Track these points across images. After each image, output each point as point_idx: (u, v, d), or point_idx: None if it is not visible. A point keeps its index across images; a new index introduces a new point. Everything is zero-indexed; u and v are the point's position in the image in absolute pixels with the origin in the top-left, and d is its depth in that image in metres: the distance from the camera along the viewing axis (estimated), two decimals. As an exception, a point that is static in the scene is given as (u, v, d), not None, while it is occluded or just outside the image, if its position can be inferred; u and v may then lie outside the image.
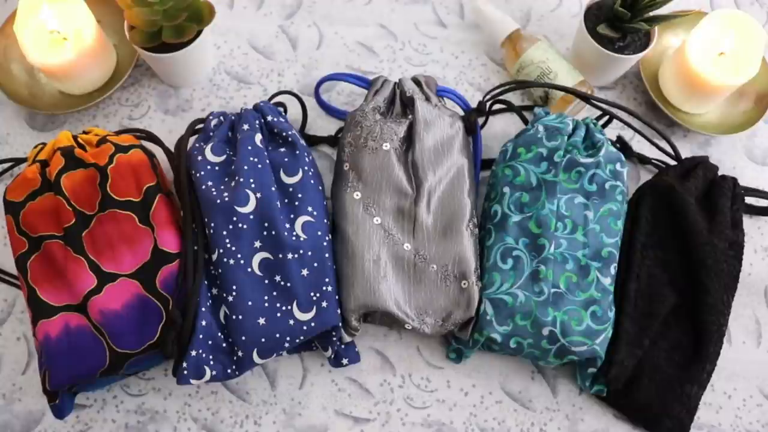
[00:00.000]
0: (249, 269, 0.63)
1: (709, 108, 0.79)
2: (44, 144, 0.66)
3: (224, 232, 0.63)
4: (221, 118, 0.69)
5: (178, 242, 0.64)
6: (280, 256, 0.63)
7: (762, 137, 0.81)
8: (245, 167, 0.64)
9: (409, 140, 0.68)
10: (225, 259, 0.63)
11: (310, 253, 0.64)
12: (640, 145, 0.78)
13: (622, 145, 0.76)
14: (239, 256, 0.63)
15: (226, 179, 0.66)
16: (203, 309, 0.63)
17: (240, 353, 0.62)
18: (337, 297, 0.64)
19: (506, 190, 0.68)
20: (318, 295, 0.63)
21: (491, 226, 0.68)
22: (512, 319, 0.63)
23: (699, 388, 0.66)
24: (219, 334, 0.63)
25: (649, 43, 0.75)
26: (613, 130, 0.79)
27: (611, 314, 0.64)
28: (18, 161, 0.73)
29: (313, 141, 0.77)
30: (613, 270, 0.65)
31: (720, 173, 0.72)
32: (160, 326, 0.61)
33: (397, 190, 0.67)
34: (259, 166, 0.65)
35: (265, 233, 0.64)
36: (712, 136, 0.80)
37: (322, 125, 0.79)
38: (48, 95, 0.78)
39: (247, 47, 0.82)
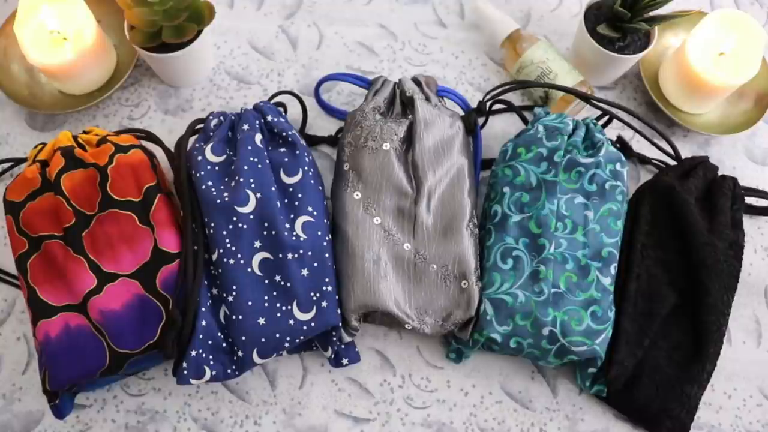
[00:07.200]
0: (249, 269, 0.63)
1: (709, 108, 0.79)
2: (44, 144, 0.66)
3: (224, 232, 0.63)
4: (221, 118, 0.69)
5: (178, 242, 0.64)
6: (280, 256, 0.63)
7: (762, 137, 0.81)
8: (245, 167, 0.64)
9: (409, 140, 0.68)
10: (225, 259, 0.63)
11: (310, 253, 0.64)
12: (640, 145, 0.78)
13: (622, 145, 0.76)
14: (239, 256, 0.63)
15: (226, 179, 0.66)
16: (203, 309, 0.63)
17: (240, 353, 0.62)
18: (337, 297, 0.64)
19: (506, 190, 0.68)
20: (318, 295, 0.63)
21: (491, 226, 0.68)
22: (512, 319, 0.63)
23: (699, 388, 0.66)
24: (219, 334, 0.63)
25: (649, 43, 0.75)
26: (613, 130, 0.79)
27: (611, 314, 0.64)
28: (18, 161, 0.73)
29: (313, 141, 0.77)
30: (613, 270, 0.65)
31: (720, 173, 0.72)
32: (160, 326, 0.61)
33: (397, 190, 0.67)
34: (259, 166, 0.65)
35: (265, 233, 0.64)
36: (712, 136, 0.80)
37: (322, 125, 0.79)
38: (48, 95, 0.78)
39: (247, 47, 0.83)
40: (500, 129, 0.79)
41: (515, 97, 0.81)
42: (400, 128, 0.68)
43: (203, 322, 0.62)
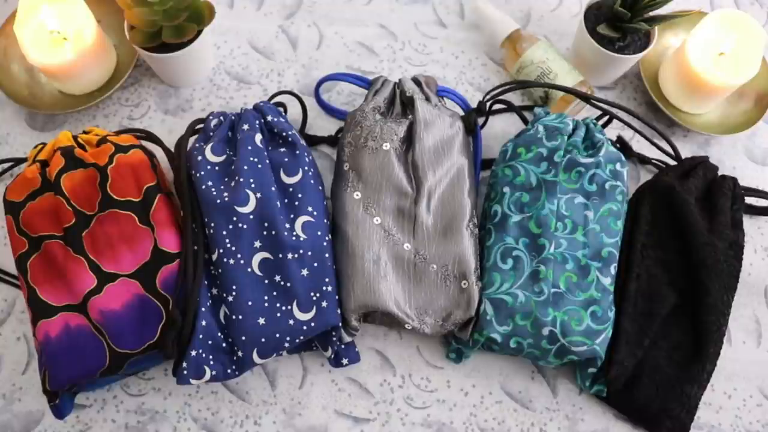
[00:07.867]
0: (249, 269, 0.63)
1: (709, 108, 0.79)
2: (44, 144, 0.66)
3: (224, 232, 0.63)
4: (221, 118, 0.69)
5: (178, 242, 0.64)
6: (280, 256, 0.63)
7: (762, 137, 0.81)
8: (245, 167, 0.64)
9: (409, 140, 0.68)
10: (225, 259, 0.63)
11: (310, 253, 0.64)
12: (640, 145, 0.78)
13: (622, 145, 0.76)
14: (239, 256, 0.63)
15: (226, 179, 0.66)
16: (203, 309, 0.63)
17: (240, 353, 0.62)
18: (337, 297, 0.64)
19: (506, 190, 0.68)
20: (318, 295, 0.63)
21: (491, 226, 0.68)
22: (512, 319, 0.63)
23: (699, 388, 0.66)
24: (219, 334, 0.63)
25: (649, 43, 0.75)
26: (613, 130, 0.79)
27: (611, 314, 0.64)
28: (18, 161, 0.73)
29: (313, 141, 0.77)
30: (613, 270, 0.65)
31: (720, 173, 0.72)
32: (160, 326, 0.61)
33: (397, 190, 0.67)
34: (259, 166, 0.65)
35: (265, 233, 0.64)
36: (712, 136, 0.80)
37: (322, 125, 0.79)
38: (48, 95, 0.78)
39: (247, 47, 0.83)
40: (500, 129, 0.79)
41: (515, 97, 0.81)
42: (400, 128, 0.68)
43: (203, 322, 0.62)
